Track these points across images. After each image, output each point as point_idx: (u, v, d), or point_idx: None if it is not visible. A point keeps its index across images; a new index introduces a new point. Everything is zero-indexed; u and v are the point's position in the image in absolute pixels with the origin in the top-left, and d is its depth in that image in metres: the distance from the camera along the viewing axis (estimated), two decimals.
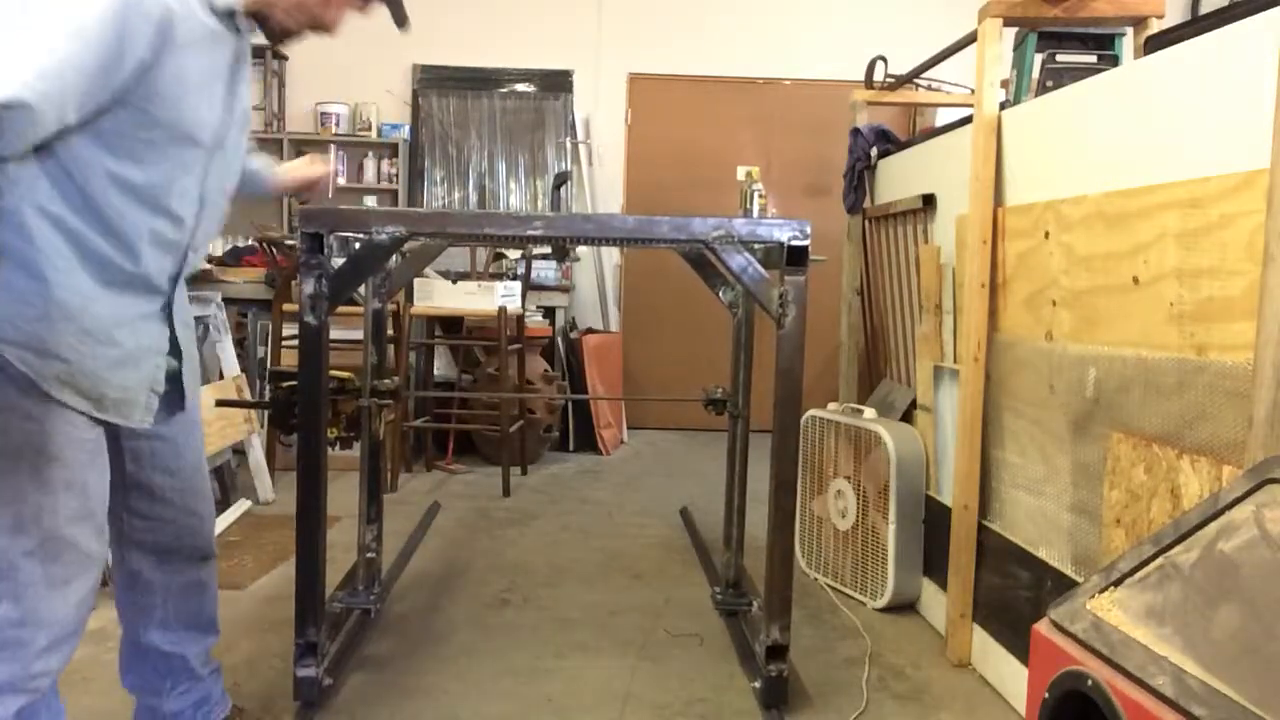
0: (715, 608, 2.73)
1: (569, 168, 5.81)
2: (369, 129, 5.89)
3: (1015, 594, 2.24)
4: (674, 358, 5.92)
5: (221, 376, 3.83)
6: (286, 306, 4.07)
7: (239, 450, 3.84)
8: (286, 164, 2.04)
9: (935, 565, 2.67)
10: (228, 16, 1.49)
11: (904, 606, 2.83)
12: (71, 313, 1.38)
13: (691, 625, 2.68)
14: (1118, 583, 1.23)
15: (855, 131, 3.40)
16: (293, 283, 4.05)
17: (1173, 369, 1.70)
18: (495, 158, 5.89)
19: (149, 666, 1.79)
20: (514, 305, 4.42)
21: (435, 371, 5.00)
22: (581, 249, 5.60)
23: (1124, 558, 1.27)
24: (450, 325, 4.80)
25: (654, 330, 6.01)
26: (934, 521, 2.72)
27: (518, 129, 5.90)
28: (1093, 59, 2.38)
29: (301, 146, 5.89)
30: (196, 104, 1.46)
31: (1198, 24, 1.69)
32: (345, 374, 2.33)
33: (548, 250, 5.15)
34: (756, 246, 2.16)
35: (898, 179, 3.17)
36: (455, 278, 4.69)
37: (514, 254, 5.05)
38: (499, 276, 4.90)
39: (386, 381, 2.61)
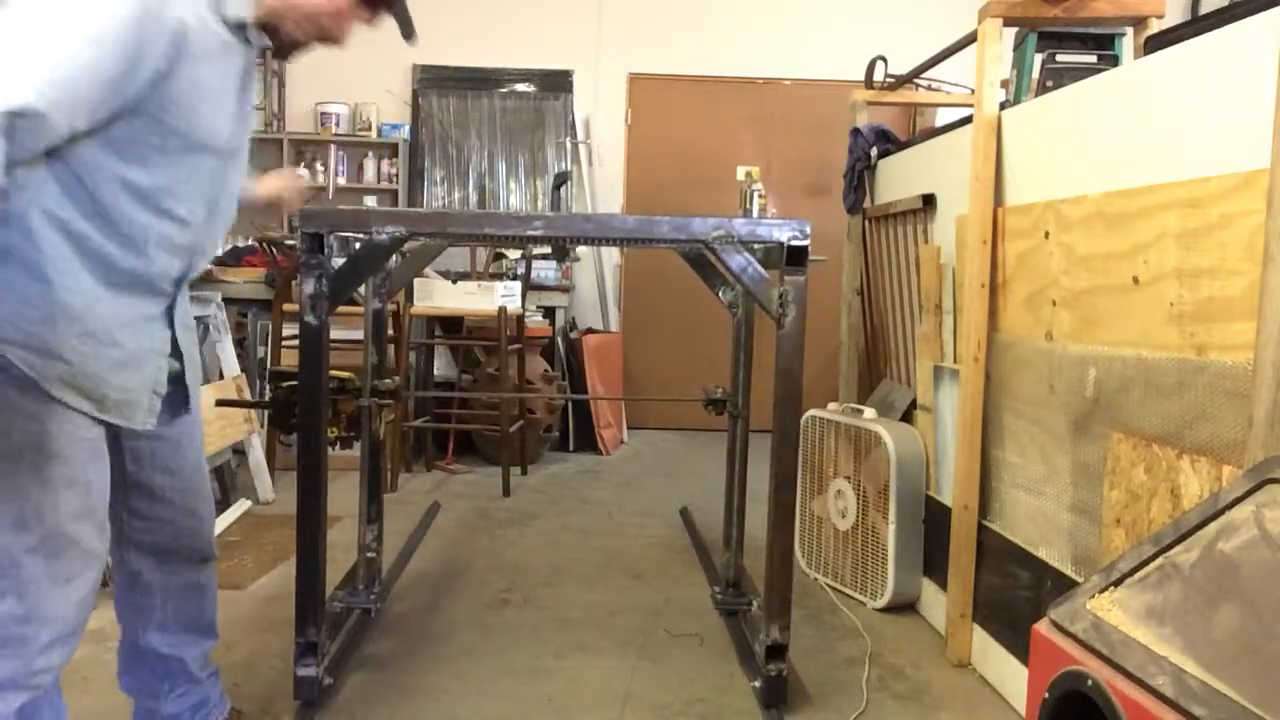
0: (715, 607, 2.73)
1: (569, 168, 5.81)
2: (369, 129, 5.89)
3: (1015, 594, 2.24)
4: (674, 358, 5.93)
5: (221, 376, 3.83)
6: (286, 306, 4.07)
7: (239, 450, 3.84)
8: (262, 178, 2.03)
9: (935, 565, 2.67)
10: (239, 28, 1.51)
11: (904, 606, 2.83)
12: (74, 314, 1.39)
13: (691, 625, 2.68)
14: (1118, 583, 1.24)
15: (855, 131, 3.40)
16: (293, 283, 4.05)
17: (1173, 369, 1.70)
18: (495, 158, 5.89)
19: (147, 669, 1.79)
20: (514, 305, 4.42)
21: (435, 371, 5.00)
22: (581, 249, 5.60)
23: (1124, 558, 1.27)
24: (450, 325, 4.80)
25: (654, 330, 6.01)
26: (934, 521, 2.72)
27: (518, 129, 5.90)
28: (1093, 59, 2.38)
29: (301, 146, 5.90)
30: (210, 113, 1.48)
31: (1198, 24, 1.69)
32: (345, 374, 2.33)
33: (548, 250, 5.15)
34: (756, 246, 2.17)
35: (898, 179, 3.17)
36: (455, 278, 4.69)
37: (514, 254, 5.05)
38: (499, 276, 4.90)
39: (387, 381, 2.61)
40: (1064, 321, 2.07)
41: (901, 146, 3.24)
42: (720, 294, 2.81)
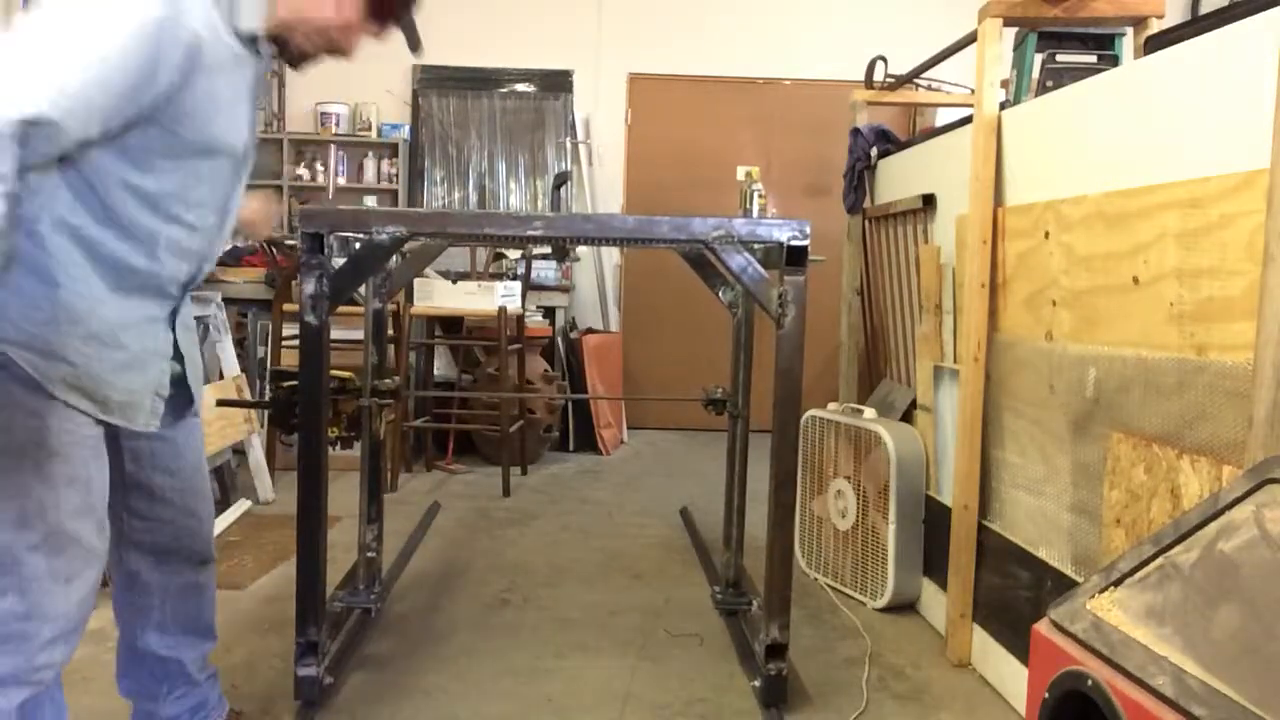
0: (715, 607, 2.73)
1: (569, 168, 5.81)
2: (369, 129, 5.89)
3: (1015, 594, 2.24)
4: (674, 358, 5.93)
5: (221, 376, 3.83)
6: (286, 306, 4.07)
7: (239, 450, 3.84)
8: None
9: (935, 565, 2.67)
10: (250, 41, 1.53)
11: (904, 606, 2.83)
12: (79, 316, 1.41)
13: (691, 625, 2.68)
14: (1118, 583, 1.24)
15: (855, 131, 3.40)
16: (293, 283, 4.05)
17: (1173, 369, 1.70)
18: (495, 158, 5.89)
19: (145, 671, 1.79)
20: (514, 305, 4.42)
21: (435, 371, 5.00)
22: (581, 249, 5.60)
23: (1124, 558, 1.27)
24: (450, 325, 4.80)
25: (654, 330, 6.01)
26: (934, 521, 2.72)
27: (518, 129, 5.90)
28: (1093, 59, 2.38)
29: (301, 146, 5.90)
30: (223, 123, 1.50)
31: (1198, 24, 1.69)
32: (346, 374, 2.33)
33: (548, 250, 5.15)
34: (756, 246, 2.17)
35: (898, 179, 3.17)
36: (455, 278, 4.69)
37: (514, 254, 5.05)
38: (499, 276, 4.90)
39: (387, 381, 2.61)
40: (1064, 321, 2.07)
41: (901, 146, 3.24)
42: (720, 294, 2.81)
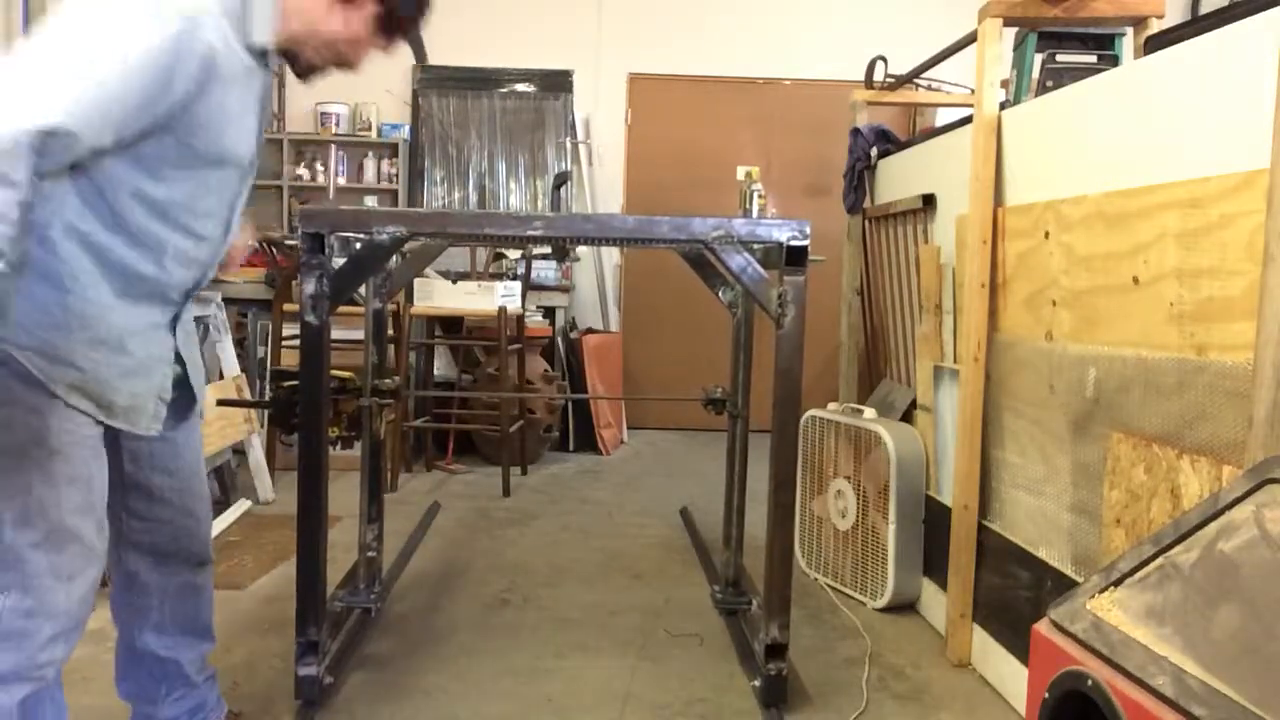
0: (715, 607, 2.73)
1: (569, 168, 5.81)
2: (369, 129, 5.89)
3: (1015, 594, 2.24)
4: (674, 358, 5.92)
5: (221, 376, 3.83)
6: (287, 306, 4.07)
7: (239, 450, 3.84)
8: None
9: (935, 565, 2.67)
10: (260, 54, 1.55)
11: (904, 606, 2.83)
12: (87, 322, 1.43)
13: (691, 625, 2.68)
14: (1118, 583, 1.24)
15: (855, 131, 3.40)
16: (293, 283, 4.05)
17: (1173, 369, 1.70)
18: (495, 158, 5.89)
19: (144, 672, 1.80)
20: (514, 305, 4.42)
21: (435, 371, 5.00)
22: (581, 249, 5.60)
23: (1124, 558, 1.27)
24: (450, 325, 4.80)
25: (654, 330, 6.01)
26: (934, 521, 2.72)
27: (518, 129, 5.90)
28: (1093, 59, 2.38)
29: (301, 146, 5.90)
30: (233, 135, 1.53)
31: (1198, 24, 1.69)
32: (346, 374, 2.33)
33: (548, 250, 5.15)
34: (756, 246, 2.17)
35: (898, 179, 3.17)
36: (455, 278, 4.69)
37: (514, 254, 5.05)
38: (499, 276, 4.90)
39: (387, 381, 2.61)
40: (1064, 321, 2.07)
41: (901, 146, 3.24)
42: (720, 294, 2.81)
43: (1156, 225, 1.74)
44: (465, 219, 2.37)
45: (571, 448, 5.16)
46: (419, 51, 1.75)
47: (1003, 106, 2.37)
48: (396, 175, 5.87)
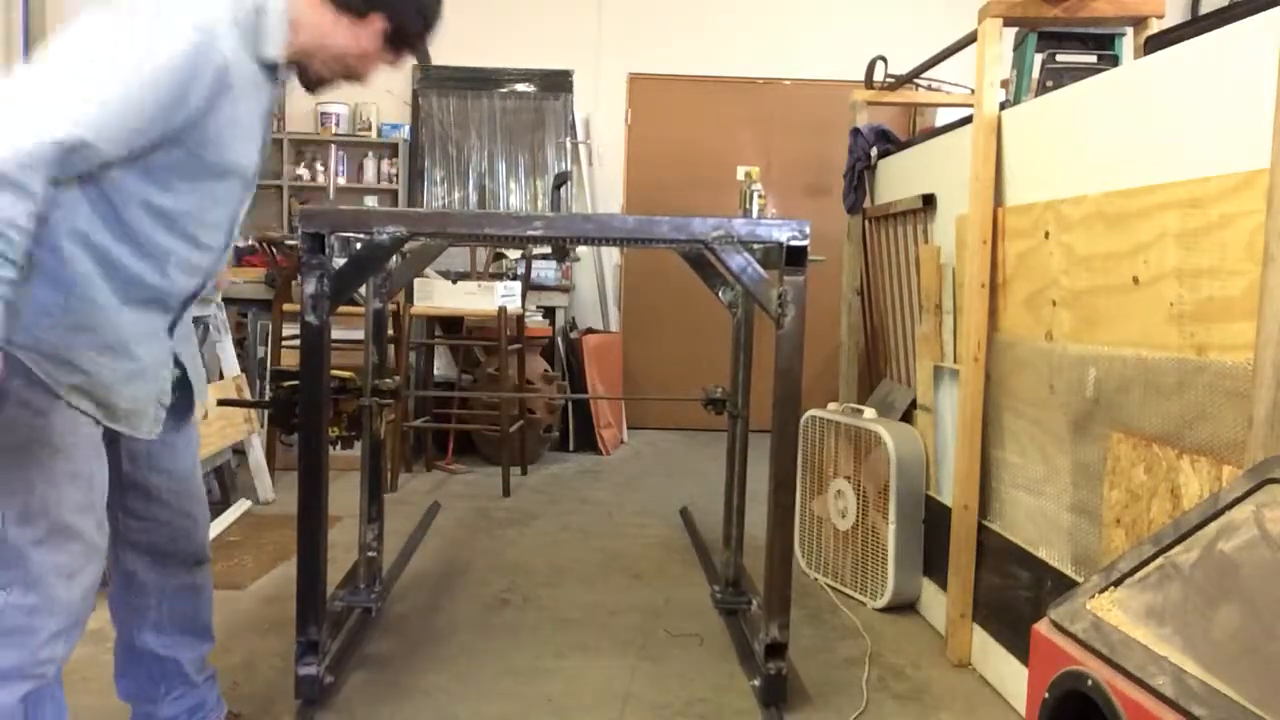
0: (715, 607, 2.73)
1: (569, 168, 5.81)
2: (369, 129, 5.89)
3: (1015, 594, 2.24)
4: (674, 358, 5.92)
5: (221, 376, 3.83)
6: (287, 306, 4.07)
7: (239, 450, 3.84)
8: None
9: (935, 565, 2.67)
10: (270, 67, 1.57)
11: (904, 606, 2.83)
12: (92, 326, 1.44)
13: (691, 625, 2.68)
14: (1118, 583, 1.24)
15: (855, 131, 3.40)
16: (293, 283, 4.06)
17: (1173, 369, 1.70)
18: (495, 158, 5.89)
19: (143, 671, 1.80)
20: (514, 305, 4.42)
21: (435, 371, 5.00)
22: (581, 249, 5.60)
23: (1124, 558, 1.27)
24: (450, 325, 4.80)
25: (654, 330, 6.01)
26: (934, 521, 2.72)
27: (518, 129, 5.90)
28: (1093, 59, 2.38)
29: (301, 146, 5.90)
30: (242, 147, 1.55)
31: (1198, 24, 1.69)
32: (346, 373, 2.33)
33: (548, 250, 5.15)
34: (756, 246, 2.17)
35: (898, 179, 3.17)
36: (455, 278, 4.69)
37: (514, 254, 5.05)
38: (499, 276, 4.89)
39: (387, 381, 2.61)
40: (1064, 321, 2.07)
41: (901, 146, 3.24)
42: (720, 294, 2.81)
43: (1156, 225, 1.74)
44: (465, 219, 2.38)
45: (571, 448, 5.16)
46: (423, 59, 1.78)
47: (1003, 106, 2.37)
48: (396, 175, 5.87)
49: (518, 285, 4.53)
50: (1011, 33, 2.44)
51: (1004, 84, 2.53)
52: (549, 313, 5.29)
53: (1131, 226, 1.82)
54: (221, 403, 2.70)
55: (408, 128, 5.88)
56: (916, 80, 3.40)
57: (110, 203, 1.43)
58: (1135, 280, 1.81)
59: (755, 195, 3.48)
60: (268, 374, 4.25)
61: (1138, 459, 1.78)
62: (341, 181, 5.80)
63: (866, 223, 3.41)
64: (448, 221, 2.27)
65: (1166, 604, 1.15)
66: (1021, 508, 2.26)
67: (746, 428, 2.74)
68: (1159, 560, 1.21)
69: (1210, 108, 1.63)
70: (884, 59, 3.43)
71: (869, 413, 2.93)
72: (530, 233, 2.11)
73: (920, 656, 2.52)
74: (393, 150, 5.90)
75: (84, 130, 1.28)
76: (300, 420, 2.07)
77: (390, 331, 3.88)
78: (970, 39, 2.55)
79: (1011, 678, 2.22)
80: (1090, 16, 2.33)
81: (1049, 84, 2.33)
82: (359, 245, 2.20)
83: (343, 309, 2.40)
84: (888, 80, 3.44)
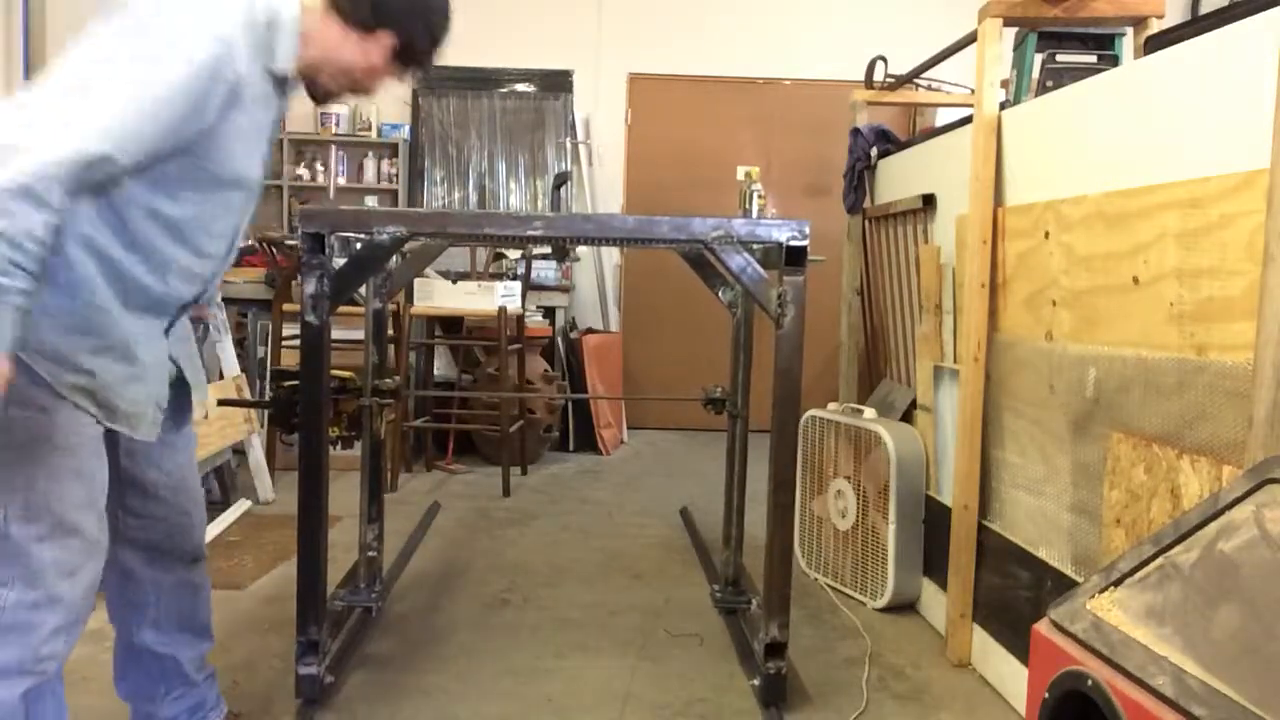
0: (715, 606, 2.73)
1: (569, 168, 5.81)
2: (369, 129, 5.89)
3: (1015, 594, 2.24)
4: (674, 358, 5.92)
5: (221, 376, 3.83)
6: (287, 306, 4.07)
7: (239, 450, 3.84)
8: None
9: (935, 565, 2.67)
10: (279, 80, 1.58)
11: (904, 606, 2.83)
12: (95, 329, 1.46)
13: (691, 625, 2.68)
14: (1118, 583, 1.24)
15: (855, 131, 3.40)
16: (293, 283, 4.06)
17: (1173, 369, 1.70)
18: (495, 158, 5.89)
19: (143, 670, 1.81)
20: (514, 305, 4.42)
21: (435, 371, 5.00)
22: (581, 249, 5.60)
23: (1124, 558, 1.27)
24: (450, 325, 4.80)
25: (654, 330, 6.01)
26: (934, 521, 2.72)
27: (518, 129, 5.90)
28: (1093, 59, 2.38)
29: (301, 146, 5.90)
30: (247, 159, 1.56)
31: (1198, 24, 1.69)
32: (346, 373, 2.33)
33: (548, 250, 5.15)
34: (756, 247, 2.17)
35: (898, 179, 3.17)
36: (455, 278, 4.69)
37: (514, 254, 5.05)
38: (499, 276, 4.89)
39: (387, 381, 2.61)
40: (1064, 321, 2.07)
41: (901, 146, 3.24)
42: (720, 294, 2.81)
43: (1156, 225, 1.74)
44: (465, 219, 2.37)
45: (571, 448, 5.16)
46: (428, 69, 1.81)
47: (1003, 106, 2.37)
48: (396, 175, 5.87)
49: (518, 285, 4.53)
50: (1011, 33, 2.44)
51: (1004, 84, 2.53)
52: (549, 313, 5.29)
53: (1131, 226, 1.82)
54: (221, 403, 2.70)
55: (408, 128, 5.88)
56: (916, 80, 3.40)
57: (117, 210, 1.44)
58: (1135, 280, 1.81)
59: (755, 195, 3.48)
60: (268, 374, 4.25)
61: (1138, 459, 1.78)
62: (341, 181, 5.81)
63: (866, 223, 3.41)
64: (448, 221, 2.27)
65: (1166, 604, 1.15)
66: (1021, 508, 2.26)
67: (746, 427, 2.74)
68: (1159, 560, 1.21)
69: (1210, 108, 1.63)
70: (884, 59, 3.43)
71: (869, 413, 2.93)
72: (530, 233, 2.11)
73: (920, 656, 2.52)
74: (393, 150, 5.90)
75: (106, 145, 1.30)
76: (300, 420, 2.07)
77: (390, 331, 3.89)
78: (970, 39, 2.55)
79: (1011, 678, 2.22)
80: (1090, 16, 2.33)
81: (1049, 84, 2.33)
82: (359, 245, 2.19)
83: (343, 309, 2.40)
84: (888, 80, 3.44)
